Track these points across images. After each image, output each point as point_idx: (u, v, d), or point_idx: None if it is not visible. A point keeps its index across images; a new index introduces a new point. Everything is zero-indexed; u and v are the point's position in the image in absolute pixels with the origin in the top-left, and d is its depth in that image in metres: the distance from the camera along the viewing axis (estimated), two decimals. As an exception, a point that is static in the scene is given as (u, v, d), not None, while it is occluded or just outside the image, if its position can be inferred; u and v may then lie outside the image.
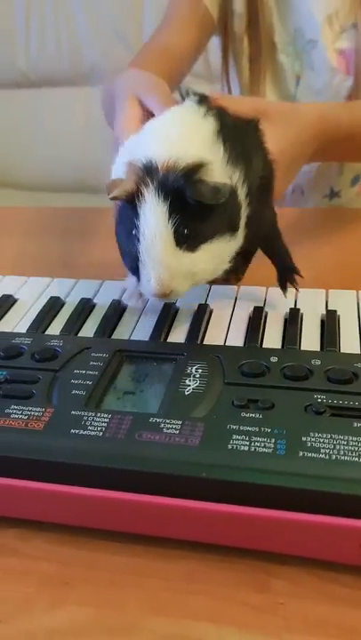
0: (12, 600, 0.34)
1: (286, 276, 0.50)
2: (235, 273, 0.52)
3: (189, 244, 0.41)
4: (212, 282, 0.50)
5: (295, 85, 0.87)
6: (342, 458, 0.33)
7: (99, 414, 0.37)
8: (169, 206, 0.40)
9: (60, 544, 0.37)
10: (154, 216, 0.40)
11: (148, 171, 0.41)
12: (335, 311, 0.47)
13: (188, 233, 0.41)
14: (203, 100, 0.48)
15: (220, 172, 0.42)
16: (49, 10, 1.58)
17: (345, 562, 0.33)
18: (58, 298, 0.53)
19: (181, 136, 0.43)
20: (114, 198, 0.42)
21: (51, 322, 0.50)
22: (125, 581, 0.35)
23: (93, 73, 1.60)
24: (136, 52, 0.85)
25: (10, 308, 0.53)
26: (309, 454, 0.33)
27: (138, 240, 0.41)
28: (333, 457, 0.33)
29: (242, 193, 0.44)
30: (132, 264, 0.42)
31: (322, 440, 0.34)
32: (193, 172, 0.41)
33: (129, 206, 0.42)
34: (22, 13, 1.59)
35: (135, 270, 0.42)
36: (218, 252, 0.43)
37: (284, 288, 0.50)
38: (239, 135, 0.46)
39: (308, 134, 0.58)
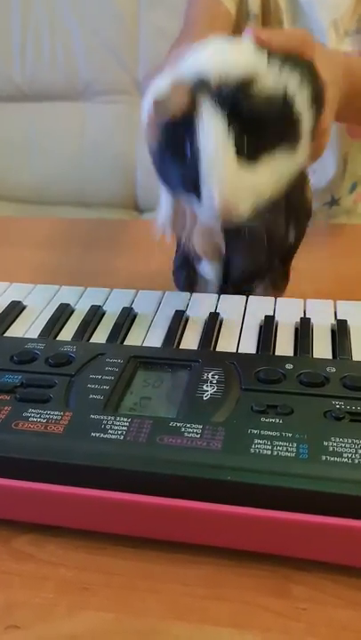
0: (30, 606, 0.34)
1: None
2: (277, 287, 0.54)
3: (251, 159, 0.40)
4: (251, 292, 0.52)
5: None
6: (365, 462, 0.33)
7: (118, 418, 0.37)
8: (228, 121, 0.39)
9: (75, 550, 0.37)
10: (214, 131, 0.39)
11: (202, 85, 0.40)
12: (345, 320, 0.48)
13: (249, 147, 0.39)
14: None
15: (274, 81, 0.41)
16: (45, 25, 1.59)
17: (367, 566, 0.33)
18: (67, 304, 0.53)
19: (230, 52, 0.42)
20: (163, 115, 0.40)
21: (61, 328, 0.50)
22: (144, 587, 0.34)
23: (88, 88, 1.61)
24: (166, 57, 0.87)
25: (19, 314, 0.52)
26: (332, 458, 0.33)
27: (197, 158, 0.39)
28: (357, 461, 0.33)
29: (301, 103, 0.42)
30: (188, 186, 0.41)
31: (343, 444, 0.34)
32: (247, 83, 0.39)
33: (182, 124, 0.40)
34: (19, 28, 1.60)
35: (191, 191, 0.41)
36: (280, 167, 0.41)
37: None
38: (289, 57, 0.43)
39: (339, 80, 0.58)
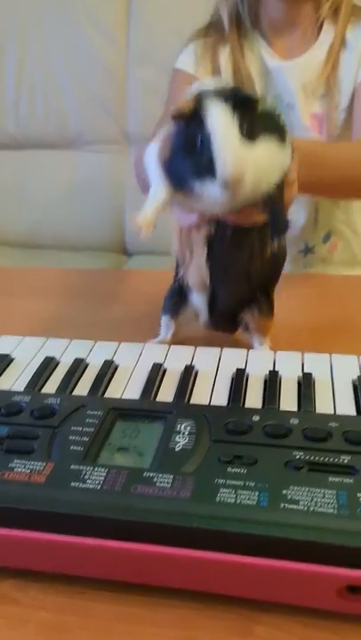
0: (12, 647, 0.36)
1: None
2: (265, 314, 0.60)
3: (250, 137, 0.48)
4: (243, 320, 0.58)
5: None
6: (319, 509, 0.36)
7: (96, 468, 0.40)
8: (231, 107, 0.48)
9: (55, 594, 0.39)
10: (221, 115, 0.48)
11: (204, 92, 0.49)
12: (311, 373, 0.52)
13: (248, 127, 0.48)
14: None
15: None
16: (39, 79, 1.67)
17: (324, 608, 0.36)
18: (53, 358, 0.56)
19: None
20: (178, 116, 0.49)
21: (47, 380, 0.53)
22: (120, 629, 0.37)
23: (78, 138, 1.68)
24: (152, 133, 0.95)
25: (7, 366, 0.56)
26: (290, 506, 0.37)
27: (209, 142, 0.47)
28: (311, 508, 0.36)
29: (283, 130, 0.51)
30: (201, 169, 0.48)
31: (301, 493, 0.37)
32: (239, 87, 0.51)
33: (191, 123, 0.49)
34: (13, 81, 1.68)
35: (205, 172, 0.48)
36: (274, 149, 0.49)
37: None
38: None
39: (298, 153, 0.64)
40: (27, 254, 1.69)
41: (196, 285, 0.59)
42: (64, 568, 0.39)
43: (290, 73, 0.92)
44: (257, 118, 0.49)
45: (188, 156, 0.49)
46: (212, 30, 0.95)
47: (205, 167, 0.48)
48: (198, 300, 0.60)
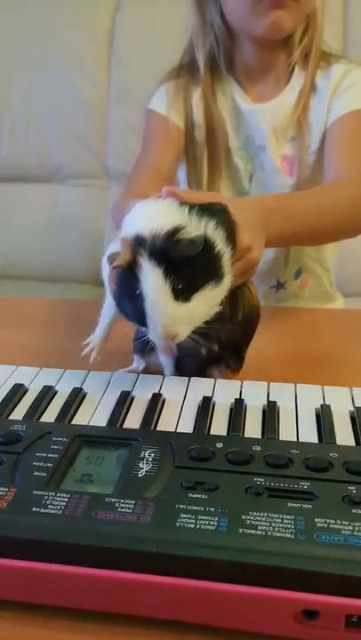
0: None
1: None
2: (231, 369, 0.61)
3: (185, 296, 0.50)
4: (210, 375, 0.59)
5: (248, 183, 0.99)
6: (277, 534, 0.37)
7: (58, 494, 0.40)
8: (163, 268, 0.49)
9: (16, 621, 0.39)
10: (152, 278, 0.49)
11: (139, 242, 0.50)
12: (275, 402, 0.52)
13: (183, 287, 0.50)
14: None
15: (195, 229, 0.51)
16: (21, 114, 1.70)
17: (282, 634, 0.36)
18: (22, 385, 0.57)
19: (158, 213, 0.53)
20: (116, 267, 0.51)
21: (14, 407, 0.53)
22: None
23: (59, 172, 1.70)
24: (131, 172, 0.99)
25: (-25, 393, 0.56)
26: (248, 531, 0.37)
27: (142, 299, 0.50)
28: (270, 533, 0.37)
29: (220, 241, 0.53)
30: (140, 319, 0.51)
31: (260, 518, 0.38)
32: (172, 234, 0.50)
33: (128, 272, 0.50)
34: (-5, 117, 1.71)
35: (142, 322, 0.51)
36: (209, 298, 0.51)
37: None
38: (205, 208, 0.55)
39: (262, 212, 0.67)
40: (4, 285, 1.70)
41: (162, 349, 0.60)
42: (25, 595, 0.38)
43: (261, 116, 0.95)
44: (190, 264, 0.49)
45: (130, 300, 0.52)
46: (183, 72, 0.99)
47: (142, 318, 0.51)
48: (164, 359, 0.61)
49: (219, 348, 0.60)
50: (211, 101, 0.96)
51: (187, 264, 0.49)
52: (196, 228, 0.52)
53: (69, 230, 1.71)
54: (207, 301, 0.51)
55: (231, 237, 0.55)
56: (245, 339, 0.62)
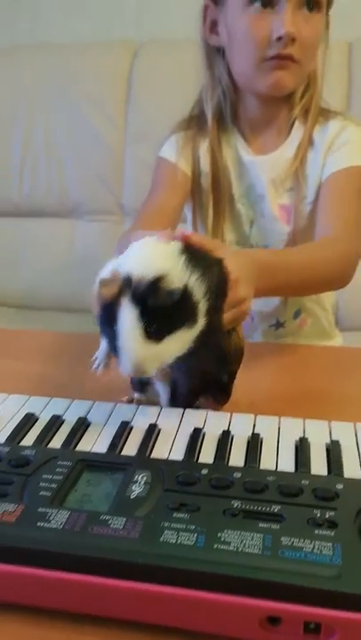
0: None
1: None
2: (218, 403, 0.67)
3: (156, 337, 0.55)
4: (197, 406, 0.65)
5: (249, 228, 1.06)
6: (247, 550, 0.42)
7: (60, 511, 0.47)
8: (139, 310, 0.55)
9: (21, 623, 0.45)
10: (128, 319, 0.55)
11: (127, 281, 0.56)
12: (259, 434, 0.58)
13: (156, 329, 0.55)
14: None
15: (178, 279, 0.57)
16: (42, 153, 1.80)
17: (249, 638, 0.41)
18: (32, 414, 0.63)
19: (152, 256, 0.59)
20: (103, 296, 0.56)
21: (25, 434, 0.60)
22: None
23: (78, 208, 1.80)
24: (139, 211, 1.07)
25: (-9, 421, 0.63)
26: (222, 546, 0.43)
27: (116, 334, 0.56)
28: (240, 549, 0.42)
29: (199, 292, 0.58)
30: (115, 350, 0.57)
31: (233, 536, 0.44)
32: (156, 282, 0.55)
33: (111, 306, 0.56)
34: (19, 154, 1.81)
35: (115, 351, 0.57)
36: (180, 340, 0.57)
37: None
38: (200, 256, 0.61)
39: (254, 267, 0.73)
40: (23, 315, 1.78)
41: (158, 377, 0.66)
42: (28, 599, 0.44)
43: (261, 167, 1.02)
44: (165, 312, 0.55)
45: (108, 330, 0.57)
46: (193, 123, 1.06)
47: (116, 351, 0.57)
48: (160, 387, 0.67)
49: (207, 381, 0.66)
50: (217, 152, 1.03)
51: (163, 309, 0.55)
52: (180, 277, 0.57)
53: (86, 263, 1.78)
54: (178, 343, 0.57)
55: (217, 289, 0.61)
56: (231, 375, 0.68)
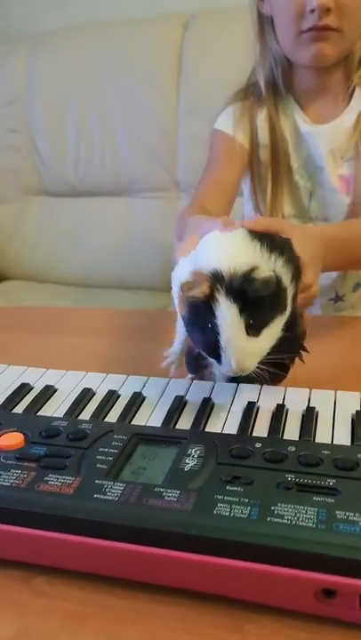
0: (41, 631, 0.44)
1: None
2: (273, 382, 0.64)
3: (255, 331, 0.54)
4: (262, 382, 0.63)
5: (308, 200, 1.03)
6: (301, 523, 0.42)
7: (116, 483, 0.48)
8: (238, 305, 0.53)
9: (79, 588, 0.46)
10: (229, 314, 0.53)
11: (216, 278, 0.54)
12: (314, 407, 0.57)
13: (254, 322, 0.54)
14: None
15: (266, 269, 0.55)
16: (96, 132, 1.81)
17: (303, 610, 0.41)
18: (90, 389, 0.64)
19: (232, 248, 0.57)
20: (192, 298, 0.55)
21: (83, 409, 0.61)
22: (129, 619, 0.44)
23: (131, 186, 1.81)
24: (196, 187, 1.07)
25: (51, 396, 0.64)
26: (275, 520, 0.43)
27: (217, 332, 0.54)
28: (294, 522, 0.42)
29: (287, 278, 0.58)
30: (209, 349, 0.56)
31: (287, 509, 0.43)
32: (248, 274, 0.54)
33: (203, 305, 0.54)
34: (74, 136, 1.83)
35: (212, 354, 0.56)
36: (274, 331, 0.56)
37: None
38: (271, 240, 0.59)
39: (321, 245, 0.71)
40: (81, 293, 1.81)
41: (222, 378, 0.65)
42: (86, 566, 0.46)
43: (320, 138, 0.99)
44: (263, 303, 0.53)
45: (200, 330, 0.56)
46: (249, 93, 1.04)
47: (213, 350, 0.55)
48: (216, 370, 0.65)
49: (282, 372, 0.65)
50: (275, 122, 1.00)
51: (259, 301, 0.53)
52: (268, 265, 0.56)
53: (141, 240, 1.80)
54: (273, 334, 0.56)
55: (295, 272, 0.60)
56: (293, 358, 0.67)
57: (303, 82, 1.00)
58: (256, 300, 0.53)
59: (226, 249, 0.58)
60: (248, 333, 0.54)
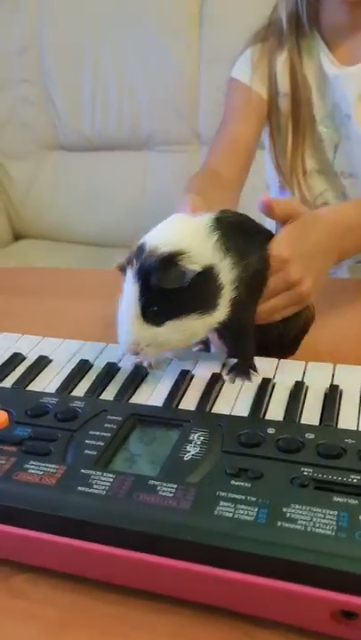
0: (14, 639, 0.38)
1: (241, 368, 0.54)
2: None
3: (156, 320, 0.49)
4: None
5: (333, 153, 0.94)
6: (317, 530, 0.35)
7: (105, 474, 0.41)
8: (140, 286, 0.49)
9: (63, 590, 0.41)
10: (128, 292, 0.50)
11: (139, 252, 0.50)
12: (338, 386, 0.50)
13: (156, 310, 0.49)
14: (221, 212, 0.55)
15: (202, 260, 0.49)
16: (113, 82, 1.71)
17: (315, 629, 0.35)
18: (87, 361, 0.58)
19: (176, 229, 0.52)
20: (116, 267, 0.52)
21: (77, 384, 0.55)
22: (117, 631, 0.38)
23: (150, 139, 1.71)
24: (210, 145, 0.98)
25: (44, 368, 0.58)
26: (287, 525, 0.36)
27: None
28: (309, 529, 0.36)
29: (226, 277, 0.51)
30: (117, 321, 0.52)
31: (301, 512, 0.37)
32: (168, 258, 0.48)
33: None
34: (89, 86, 1.73)
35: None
36: (186, 327, 0.50)
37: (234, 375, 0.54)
38: (239, 236, 0.53)
39: (328, 243, 0.63)
40: (98, 252, 1.74)
41: (216, 346, 0.60)
42: (68, 568, 0.40)
43: (348, 82, 0.89)
44: (170, 296, 0.48)
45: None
46: (269, 33, 0.94)
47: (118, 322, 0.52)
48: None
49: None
50: (296, 65, 0.91)
51: (168, 291, 0.48)
52: (206, 258, 0.50)
53: (160, 197, 1.71)
54: (184, 330, 0.50)
55: (253, 279, 0.53)
56: (303, 333, 0.62)
57: (333, 17, 0.89)
58: (161, 292, 0.48)
59: (169, 230, 0.52)
60: (146, 320, 0.49)
